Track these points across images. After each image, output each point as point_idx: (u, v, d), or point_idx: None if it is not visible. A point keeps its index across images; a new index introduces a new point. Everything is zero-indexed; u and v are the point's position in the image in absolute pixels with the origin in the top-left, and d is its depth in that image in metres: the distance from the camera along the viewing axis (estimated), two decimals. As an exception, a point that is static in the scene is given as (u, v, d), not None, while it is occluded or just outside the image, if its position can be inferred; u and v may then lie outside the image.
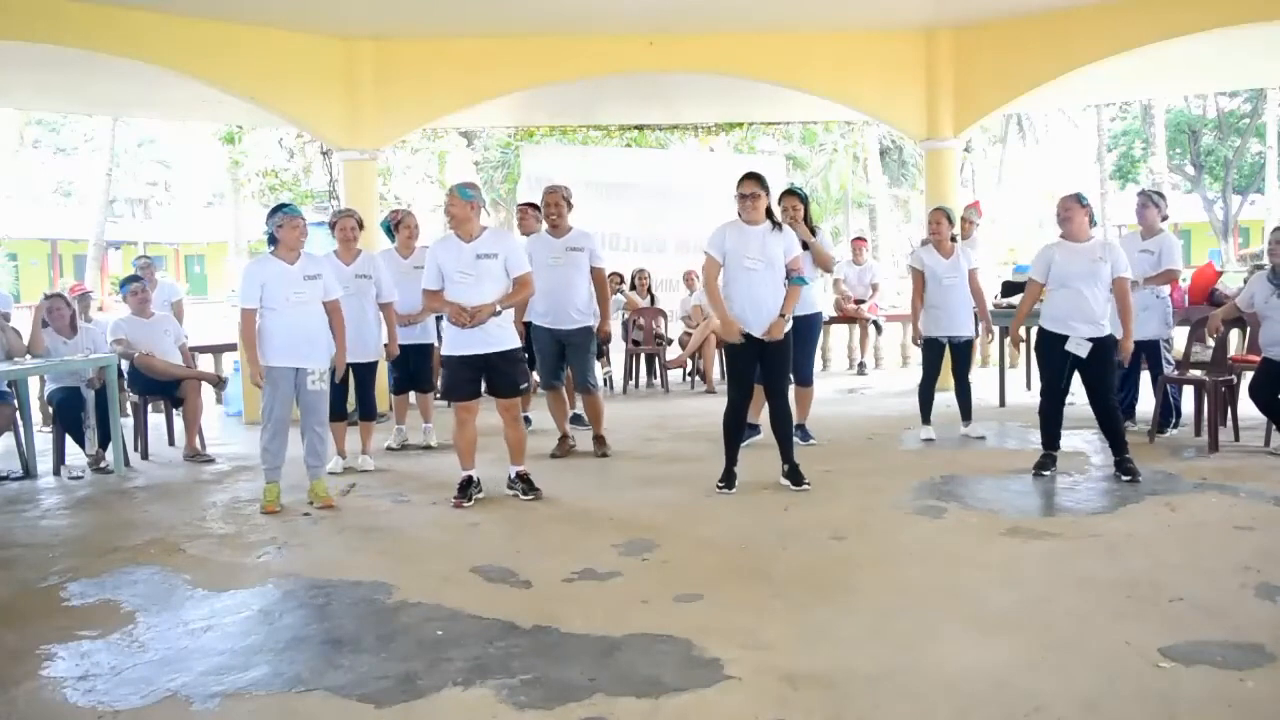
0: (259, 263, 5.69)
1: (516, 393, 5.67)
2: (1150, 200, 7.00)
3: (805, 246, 6.28)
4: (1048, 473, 5.90)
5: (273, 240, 5.62)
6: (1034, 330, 10.00)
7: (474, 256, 5.45)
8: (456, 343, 5.52)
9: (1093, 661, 3.27)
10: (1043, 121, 32.24)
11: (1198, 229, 33.94)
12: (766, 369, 5.74)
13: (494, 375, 5.57)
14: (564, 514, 5.41)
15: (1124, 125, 33.96)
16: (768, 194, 5.67)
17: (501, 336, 5.54)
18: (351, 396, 6.72)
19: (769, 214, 5.69)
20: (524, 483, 5.71)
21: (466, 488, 5.61)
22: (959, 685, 3.13)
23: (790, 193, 6.75)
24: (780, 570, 4.34)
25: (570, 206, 6.84)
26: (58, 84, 9.53)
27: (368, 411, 6.76)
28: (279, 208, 5.72)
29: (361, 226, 6.80)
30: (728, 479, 5.72)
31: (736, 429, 5.79)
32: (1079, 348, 5.74)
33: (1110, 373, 5.88)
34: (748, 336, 5.60)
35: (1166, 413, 7.01)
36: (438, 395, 7.04)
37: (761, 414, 6.52)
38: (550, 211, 6.77)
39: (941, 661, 3.32)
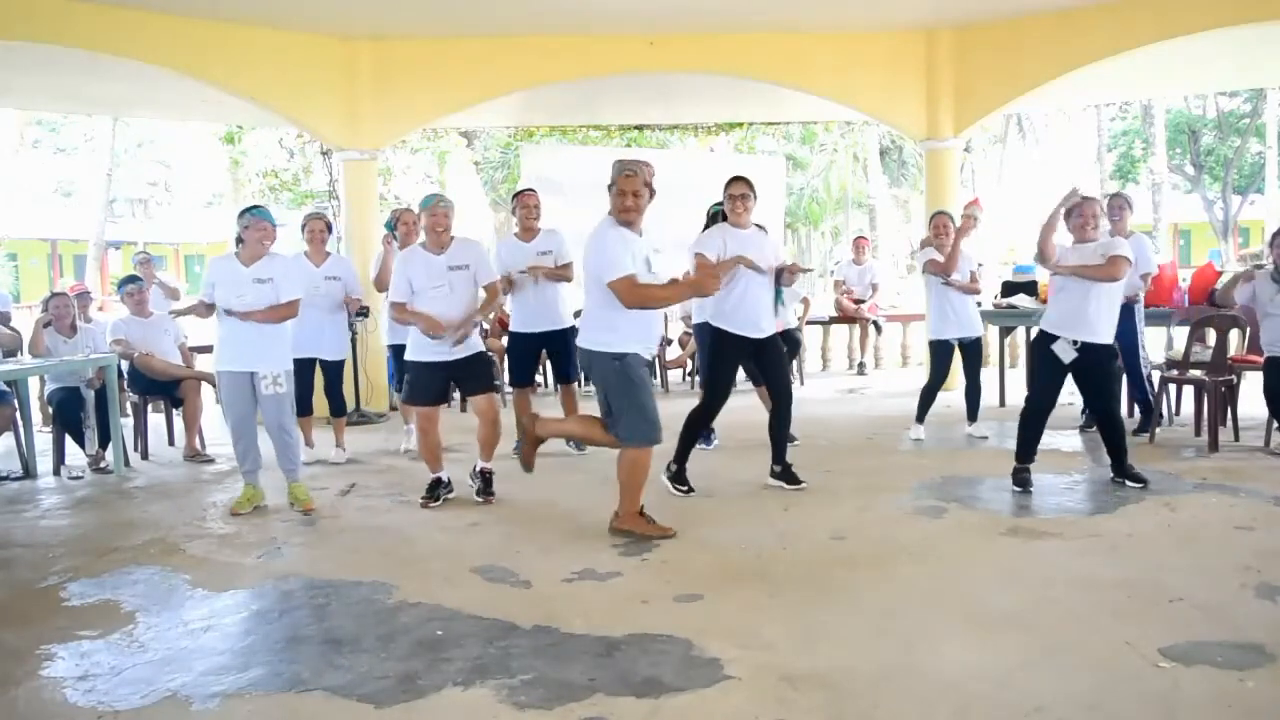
0: (218, 260, 5.60)
1: (490, 389, 5.65)
2: (1113, 204, 6.71)
3: None
4: (1030, 489, 5.54)
5: (240, 241, 5.54)
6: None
7: (446, 268, 5.44)
8: (424, 349, 5.49)
9: (1093, 661, 3.27)
10: (1043, 121, 32.19)
11: (1198, 229, 33.93)
12: (768, 373, 5.74)
13: (465, 379, 5.61)
14: (564, 514, 5.41)
15: (1124, 125, 33.91)
16: (756, 198, 5.65)
17: (468, 342, 5.54)
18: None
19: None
20: (482, 480, 5.69)
21: (435, 488, 5.62)
22: (959, 685, 3.13)
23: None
24: (780, 570, 4.34)
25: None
26: (58, 84, 9.51)
27: (337, 408, 7.00)
28: (247, 209, 5.67)
29: (330, 230, 6.99)
30: (678, 477, 5.69)
31: (702, 429, 5.73)
32: (1064, 352, 5.40)
33: (1109, 381, 5.67)
34: (743, 340, 5.60)
35: (1146, 410, 7.03)
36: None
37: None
38: (633, 201, 4.99)
39: (941, 661, 3.32)
